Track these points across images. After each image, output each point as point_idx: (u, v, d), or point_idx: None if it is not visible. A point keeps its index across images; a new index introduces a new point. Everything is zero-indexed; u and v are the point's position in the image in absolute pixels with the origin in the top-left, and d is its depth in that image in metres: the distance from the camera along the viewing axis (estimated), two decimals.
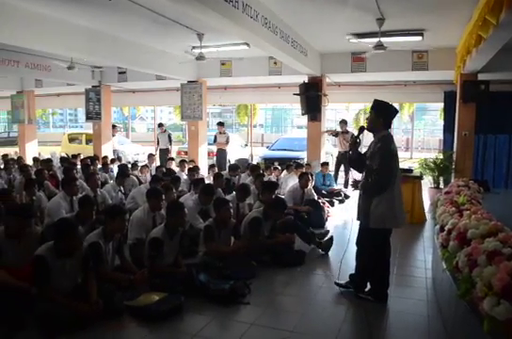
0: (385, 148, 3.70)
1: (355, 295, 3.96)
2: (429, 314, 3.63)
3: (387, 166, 3.66)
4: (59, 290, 3.32)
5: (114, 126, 13.26)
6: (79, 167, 8.92)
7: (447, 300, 3.32)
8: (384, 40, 6.95)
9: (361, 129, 4.11)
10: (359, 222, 3.97)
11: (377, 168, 3.64)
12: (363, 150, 4.26)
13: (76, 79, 11.37)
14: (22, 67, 9.78)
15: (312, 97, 9.52)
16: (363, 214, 3.82)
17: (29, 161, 11.09)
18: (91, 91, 12.19)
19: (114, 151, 12.89)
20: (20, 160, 10.20)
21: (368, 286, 3.97)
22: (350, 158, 4.11)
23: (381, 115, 3.81)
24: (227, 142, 11.74)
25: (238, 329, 3.35)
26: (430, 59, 8.84)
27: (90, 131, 13.70)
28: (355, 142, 4.05)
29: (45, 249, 3.35)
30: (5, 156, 11.21)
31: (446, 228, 3.61)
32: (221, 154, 11.82)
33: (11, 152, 13.70)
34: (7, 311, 3.13)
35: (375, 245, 3.83)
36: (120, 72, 11.74)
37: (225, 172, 8.32)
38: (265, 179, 7.48)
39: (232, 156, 12.74)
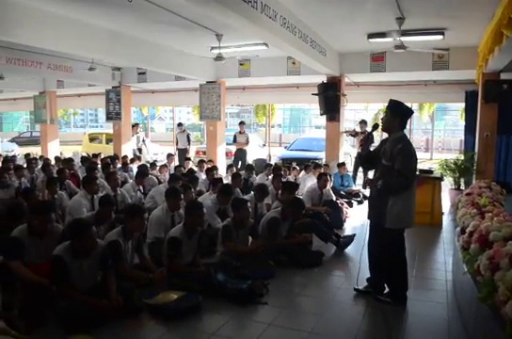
0: (407, 149, 3.67)
1: (374, 297, 3.92)
2: (449, 316, 3.58)
3: (409, 167, 3.65)
4: (78, 289, 3.36)
5: (134, 125, 13.31)
6: (100, 166, 9.04)
7: (468, 303, 3.27)
8: (404, 39, 6.86)
9: (375, 126, 4.10)
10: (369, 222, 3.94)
11: (401, 168, 3.59)
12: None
13: (97, 80, 11.56)
14: (44, 68, 9.96)
15: (330, 97, 9.46)
16: (379, 213, 3.75)
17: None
18: (111, 92, 12.35)
19: (133, 149, 12.99)
20: (46, 160, 10.31)
21: (386, 288, 3.93)
22: (361, 155, 4.09)
23: (397, 115, 3.77)
24: (247, 142, 11.76)
25: (256, 329, 3.36)
26: (451, 59, 8.68)
27: (110, 131, 13.88)
28: (367, 139, 4.03)
29: (62, 249, 3.39)
30: (27, 155, 11.45)
31: (467, 230, 3.56)
32: (241, 154, 11.83)
33: (33, 151, 13.96)
34: (28, 307, 3.20)
35: (389, 245, 3.78)
36: (139, 73, 11.88)
37: (243, 172, 8.34)
38: (283, 179, 7.47)
39: (251, 156, 12.74)
